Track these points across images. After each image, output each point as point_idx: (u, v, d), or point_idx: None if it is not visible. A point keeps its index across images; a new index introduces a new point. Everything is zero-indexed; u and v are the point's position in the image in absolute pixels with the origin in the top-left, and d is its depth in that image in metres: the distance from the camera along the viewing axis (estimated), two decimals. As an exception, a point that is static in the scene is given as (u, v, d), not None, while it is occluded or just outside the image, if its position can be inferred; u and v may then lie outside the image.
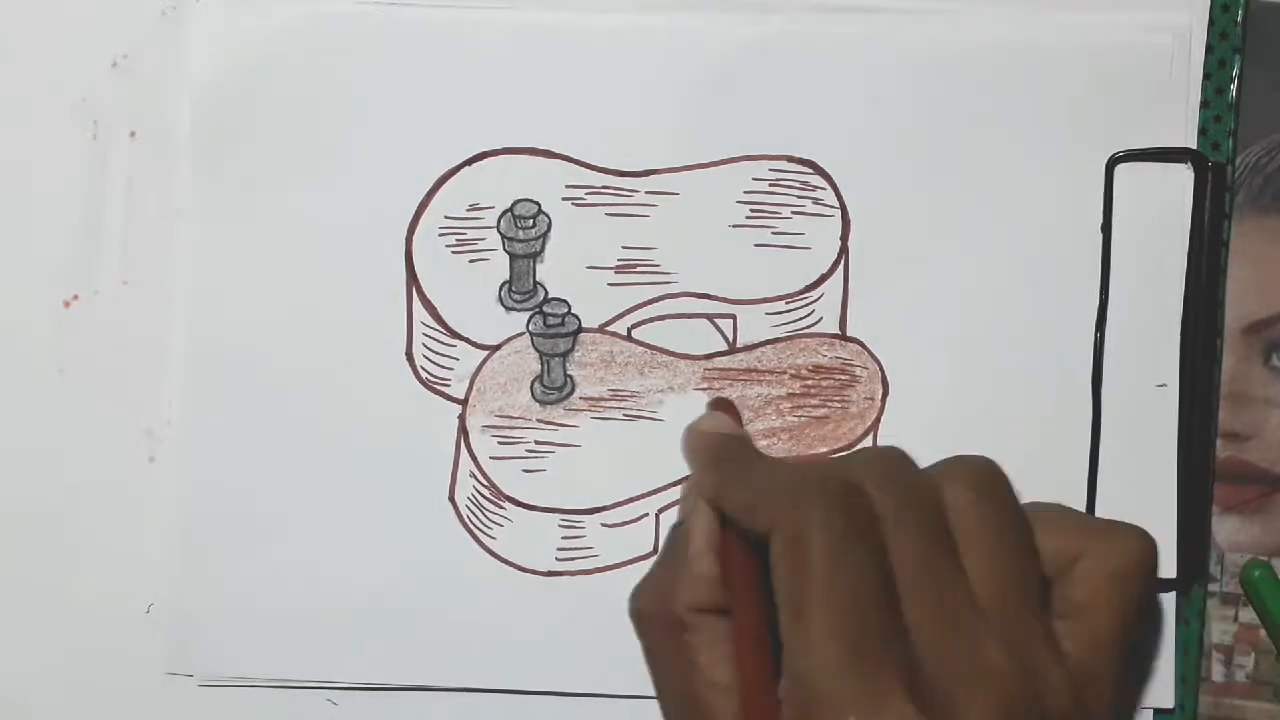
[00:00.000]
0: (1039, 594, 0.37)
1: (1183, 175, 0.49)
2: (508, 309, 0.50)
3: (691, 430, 0.43)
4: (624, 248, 0.50)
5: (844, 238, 0.50)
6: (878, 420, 0.50)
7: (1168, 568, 0.49)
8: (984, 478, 0.38)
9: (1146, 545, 0.39)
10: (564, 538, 0.50)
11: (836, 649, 0.32)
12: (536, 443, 0.50)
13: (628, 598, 0.39)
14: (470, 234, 0.50)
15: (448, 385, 0.50)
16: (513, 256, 0.50)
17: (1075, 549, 0.39)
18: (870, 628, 0.33)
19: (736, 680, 0.36)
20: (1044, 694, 0.34)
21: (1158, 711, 0.49)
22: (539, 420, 0.50)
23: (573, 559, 0.50)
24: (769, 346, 0.50)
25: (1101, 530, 0.40)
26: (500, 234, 0.50)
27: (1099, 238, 0.49)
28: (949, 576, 0.35)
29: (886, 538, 0.35)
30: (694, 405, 0.50)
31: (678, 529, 0.40)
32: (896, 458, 0.37)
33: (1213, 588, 0.49)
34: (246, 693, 0.50)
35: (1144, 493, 0.49)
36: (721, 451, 0.41)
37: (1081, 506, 0.49)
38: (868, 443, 0.50)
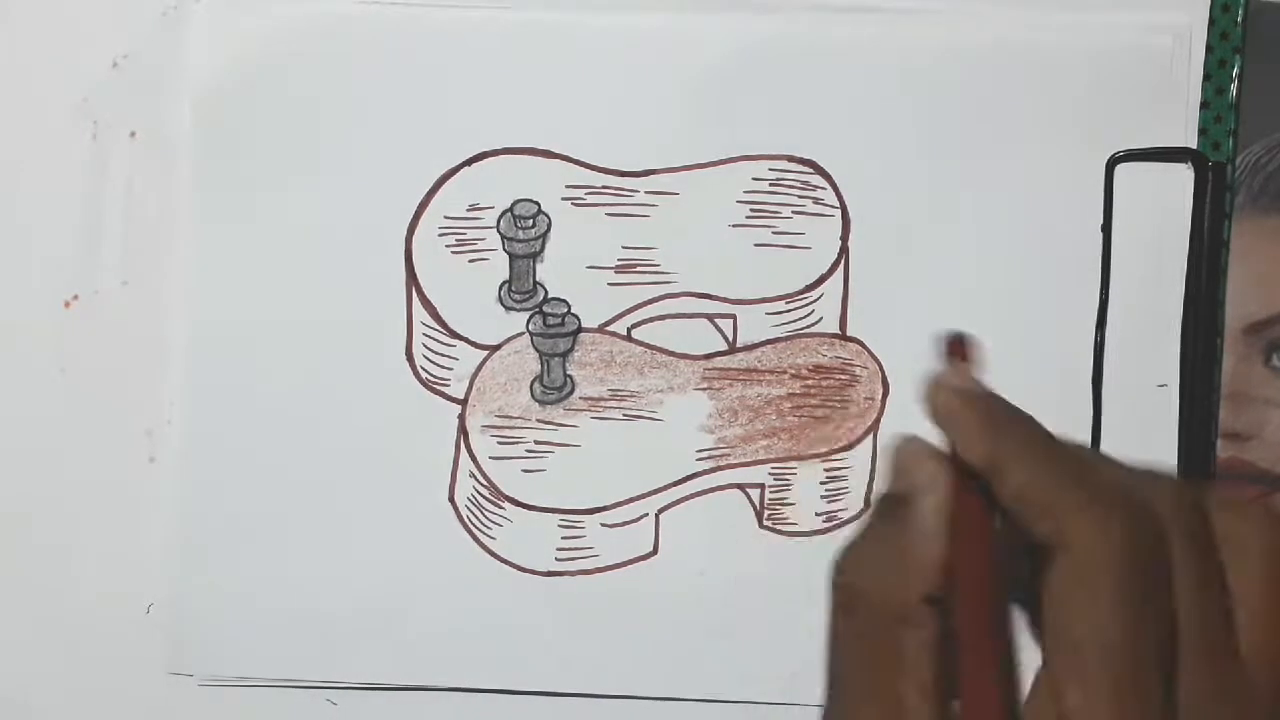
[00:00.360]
0: None
1: (1183, 175, 0.49)
2: (508, 309, 0.50)
3: (937, 384, 0.36)
4: (624, 248, 0.50)
5: (844, 237, 0.50)
6: (878, 420, 0.50)
7: (1168, 568, 0.49)
8: (1272, 530, 0.32)
9: None
10: (564, 538, 0.50)
11: (1111, 684, 0.29)
12: (536, 443, 0.50)
13: (833, 568, 0.33)
14: (470, 234, 0.50)
15: (447, 385, 0.50)
16: (513, 256, 0.50)
17: None
18: (1145, 672, 0.30)
19: (948, 688, 0.31)
20: None
21: (1158, 712, 0.49)
22: (539, 420, 0.50)
23: (573, 559, 0.50)
24: (769, 346, 0.50)
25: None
26: (500, 234, 0.50)
27: (1099, 238, 0.49)
28: (1226, 641, 0.31)
29: (1176, 587, 0.31)
30: (694, 405, 0.50)
31: (888, 501, 0.34)
32: (1194, 494, 0.33)
33: (1213, 588, 0.49)
34: (246, 693, 0.50)
35: (1144, 493, 0.49)
36: (996, 417, 0.34)
37: None
38: (868, 443, 0.50)
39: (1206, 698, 0.31)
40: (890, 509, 0.33)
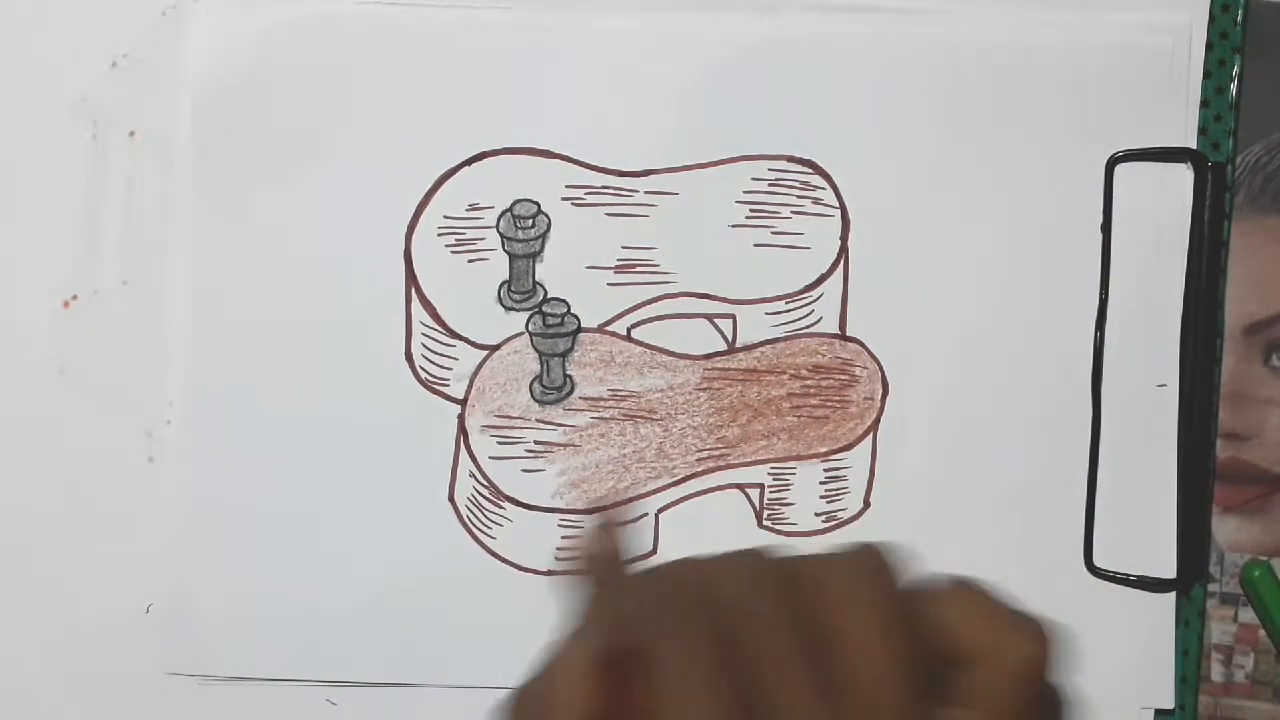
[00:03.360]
0: (922, 684, 0.36)
1: (1183, 175, 0.49)
2: (507, 309, 0.50)
3: (575, 553, 0.41)
4: (624, 248, 0.50)
5: (844, 237, 0.50)
6: (878, 420, 0.50)
7: (1168, 568, 0.49)
8: (862, 567, 0.36)
9: (1049, 646, 0.38)
10: (563, 538, 0.50)
11: None
12: (536, 443, 0.50)
13: (494, 710, 0.37)
14: (470, 234, 0.50)
15: (447, 385, 0.50)
16: (512, 256, 0.50)
17: (977, 642, 0.38)
18: None
19: None
20: None
21: (1158, 712, 0.49)
22: (538, 420, 0.50)
23: (573, 559, 0.50)
24: (769, 346, 0.50)
25: (1003, 627, 0.39)
26: (500, 234, 0.50)
27: (1099, 237, 0.49)
28: (820, 677, 0.33)
29: (748, 644, 0.33)
30: (694, 405, 0.50)
31: (550, 651, 0.38)
32: (754, 556, 0.36)
33: (1212, 588, 0.49)
34: (246, 692, 0.50)
35: (1144, 493, 0.49)
36: (592, 576, 0.40)
37: (1081, 507, 0.49)
38: (868, 442, 0.50)
39: None
40: (551, 656, 0.37)
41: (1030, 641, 0.38)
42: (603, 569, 0.40)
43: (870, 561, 0.36)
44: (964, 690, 0.37)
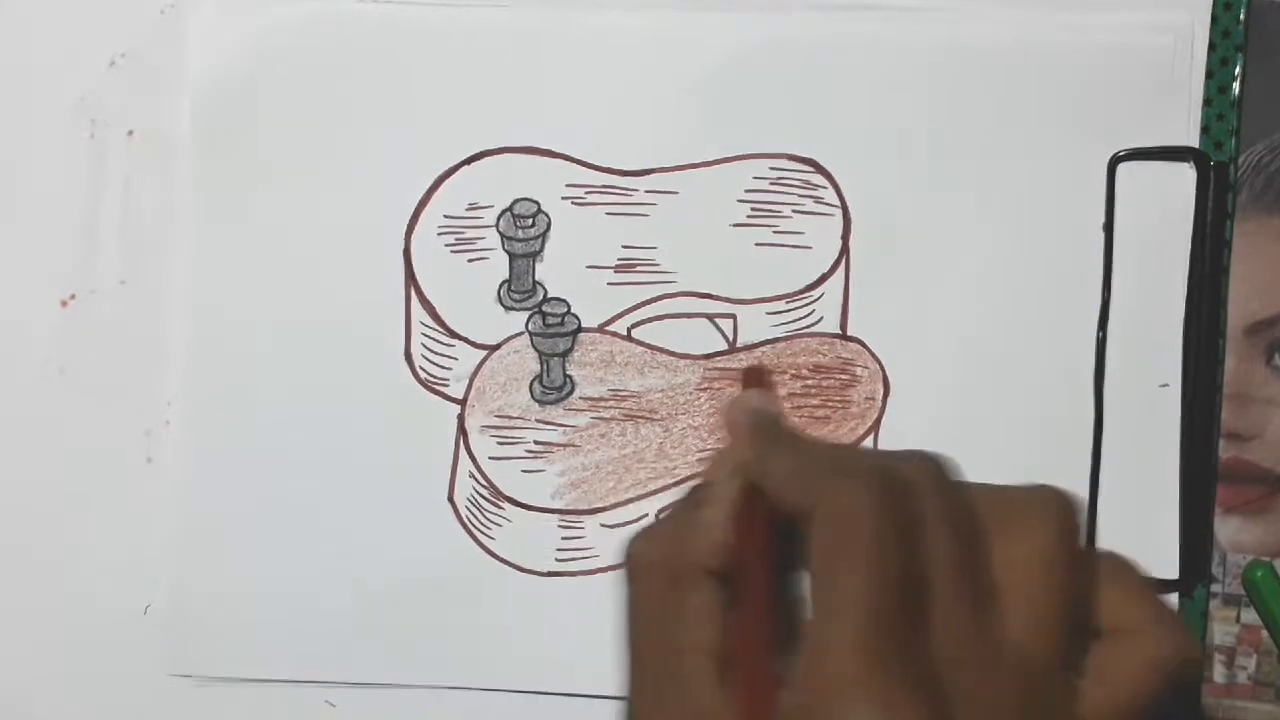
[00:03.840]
0: (1071, 646, 0.35)
1: (1185, 174, 0.49)
2: (507, 309, 0.50)
3: (735, 403, 0.41)
4: (624, 247, 0.50)
5: (845, 237, 0.50)
6: (879, 420, 0.50)
7: (1170, 568, 0.49)
8: (1063, 518, 0.35)
9: (1195, 650, 0.38)
10: (564, 538, 0.50)
11: (862, 640, 0.31)
12: (536, 443, 0.50)
13: (625, 543, 0.37)
14: (469, 233, 0.50)
15: (447, 385, 0.50)
16: (512, 256, 0.50)
17: (1132, 622, 0.37)
18: (898, 628, 0.32)
19: (729, 649, 0.34)
20: None
21: (1159, 713, 0.49)
22: (538, 420, 0.50)
23: (572, 559, 0.50)
24: (769, 346, 0.50)
25: (1162, 616, 0.38)
26: (500, 233, 0.50)
27: (1101, 237, 0.49)
28: (979, 599, 0.33)
29: (930, 544, 0.33)
30: (694, 405, 0.50)
31: (695, 491, 0.38)
32: (948, 469, 0.36)
33: (1215, 588, 0.49)
34: (246, 693, 0.50)
35: (1146, 493, 0.49)
36: (767, 424, 0.39)
37: (1083, 507, 0.49)
38: (868, 443, 0.50)
39: (963, 659, 0.33)
40: (690, 500, 0.38)
41: (1182, 638, 0.37)
42: (766, 419, 0.39)
43: (1057, 508, 0.36)
44: (1099, 663, 0.36)
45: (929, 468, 0.35)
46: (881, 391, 0.50)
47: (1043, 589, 0.34)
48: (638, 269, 0.50)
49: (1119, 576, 0.38)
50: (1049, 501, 0.36)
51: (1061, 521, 0.35)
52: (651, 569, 0.37)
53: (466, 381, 0.50)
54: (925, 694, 0.32)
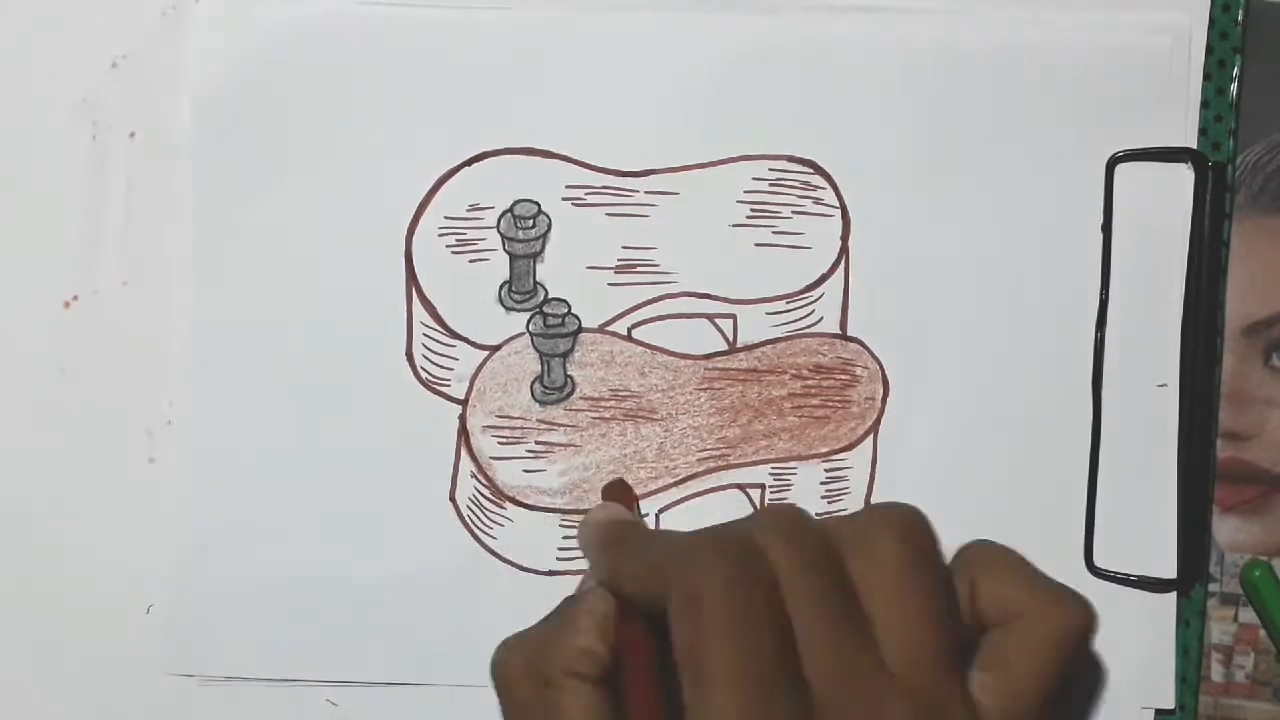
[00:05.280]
0: (956, 648, 0.35)
1: (1183, 175, 0.49)
2: (508, 309, 0.50)
3: (584, 522, 0.44)
4: (624, 248, 0.50)
5: (844, 237, 0.50)
6: (878, 420, 0.50)
7: (1168, 568, 0.49)
8: (904, 527, 0.36)
9: (1088, 618, 0.38)
10: (564, 538, 0.50)
11: (738, 706, 0.32)
12: (537, 443, 0.50)
13: (495, 649, 0.39)
14: (470, 234, 0.50)
15: (448, 385, 0.50)
16: (513, 256, 0.50)
17: (1017, 605, 0.37)
18: (770, 684, 0.32)
19: None
20: None
21: (1158, 712, 0.49)
22: (539, 420, 0.50)
23: (573, 559, 0.50)
24: (769, 346, 0.50)
25: (1048, 592, 0.38)
26: (500, 234, 0.50)
27: (1099, 237, 0.49)
28: (850, 634, 0.34)
29: (785, 596, 0.34)
30: (694, 405, 0.50)
31: (564, 603, 0.40)
32: (795, 514, 0.36)
33: (1213, 588, 0.49)
34: (247, 692, 0.50)
35: (1144, 492, 0.49)
36: (612, 534, 0.41)
37: (1081, 507, 0.49)
38: (868, 443, 0.50)
39: (838, 689, 0.33)
40: (561, 610, 0.39)
41: (1068, 611, 0.37)
42: (613, 530, 0.41)
43: (909, 521, 0.36)
44: (996, 653, 0.37)
45: (775, 520, 0.36)
46: (881, 391, 0.50)
47: (900, 598, 0.35)
48: (638, 269, 0.50)
49: (994, 567, 0.38)
50: (889, 516, 0.36)
51: (903, 530, 0.36)
52: (517, 678, 0.38)
53: (467, 382, 0.50)
54: None
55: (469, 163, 0.50)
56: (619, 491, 0.47)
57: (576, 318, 0.50)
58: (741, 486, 0.50)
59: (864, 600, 0.35)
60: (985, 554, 0.39)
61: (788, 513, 0.36)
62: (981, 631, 0.37)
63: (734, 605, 0.33)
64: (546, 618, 0.40)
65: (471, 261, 0.50)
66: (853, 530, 0.36)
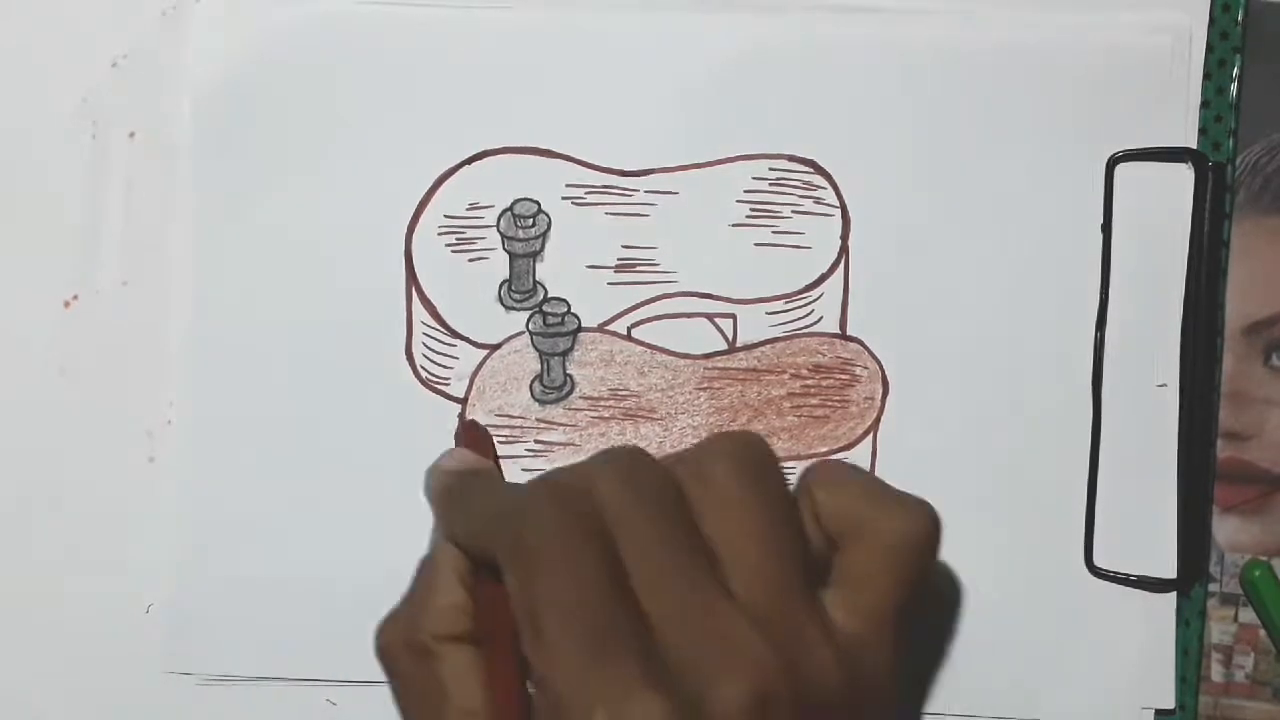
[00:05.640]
0: (802, 567, 0.34)
1: (1183, 175, 0.49)
2: (507, 308, 0.50)
3: (429, 469, 0.43)
4: (624, 247, 0.50)
5: (844, 237, 0.50)
6: (878, 420, 0.50)
7: (1168, 568, 0.49)
8: (741, 451, 0.35)
9: (930, 522, 0.37)
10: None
11: (575, 648, 0.31)
12: (536, 442, 0.50)
13: (373, 634, 0.39)
14: (470, 233, 0.50)
15: (447, 384, 0.50)
16: (512, 256, 0.50)
17: (856, 516, 0.36)
18: (605, 623, 0.31)
19: (489, 707, 0.35)
20: (808, 673, 0.33)
21: (1158, 712, 0.49)
22: (539, 420, 0.50)
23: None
24: (769, 346, 0.50)
25: (886, 501, 0.37)
26: (500, 233, 0.50)
27: (1099, 237, 0.49)
28: (689, 566, 0.33)
29: (617, 533, 0.33)
30: (694, 405, 0.50)
31: (420, 565, 0.40)
32: (630, 451, 0.36)
33: (1213, 588, 0.49)
34: (246, 692, 0.50)
35: (1144, 492, 0.49)
36: (451, 488, 0.41)
37: (1081, 507, 0.49)
38: (868, 443, 0.50)
39: (679, 617, 0.32)
40: (419, 572, 0.39)
41: (907, 518, 0.36)
42: (452, 484, 0.41)
43: (743, 442, 0.36)
44: (843, 569, 0.36)
45: (609, 458, 0.35)
46: (881, 391, 0.50)
47: (738, 520, 0.34)
48: (638, 269, 0.50)
49: (833, 483, 0.37)
50: (723, 439, 0.36)
51: (735, 451, 0.35)
52: (397, 651, 0.37)
53: (467, 381, 0.50)
54: (655, 669, 0.31)
55: (469, 162, 0.50)
56: (472, 435, 0.45)
57: (576, 317, 0.50)
58: (741, 486, 0.50)
59: (704, 528, 0.34)
60: (824, 471, 0.38)
61: (623, 451, 0.36)
62: (836, 550, 0.36)
63: (559, 547, 0.32)
64: (409, 585, 0.39)
65: (471, 260, 0.50)
66: (689, 458, 0.36)
